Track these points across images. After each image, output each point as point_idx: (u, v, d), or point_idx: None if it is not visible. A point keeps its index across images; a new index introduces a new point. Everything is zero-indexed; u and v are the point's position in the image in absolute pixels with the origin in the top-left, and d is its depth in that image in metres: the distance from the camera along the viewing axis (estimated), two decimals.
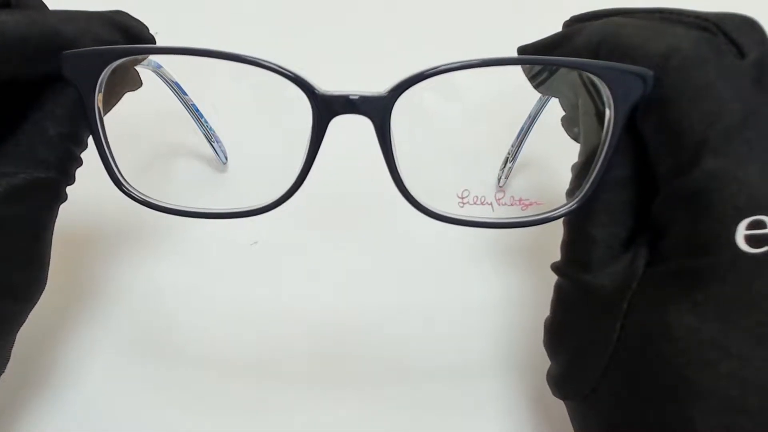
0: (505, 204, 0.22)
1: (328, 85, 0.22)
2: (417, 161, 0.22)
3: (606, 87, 0.21)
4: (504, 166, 0.35)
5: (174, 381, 0.29)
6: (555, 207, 0.22)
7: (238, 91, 0.25)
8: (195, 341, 0.30)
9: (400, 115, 0.21)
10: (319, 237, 0.33)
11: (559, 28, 0.24)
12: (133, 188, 0.23)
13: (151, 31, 0.25)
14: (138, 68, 0.25)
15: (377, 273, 0.32)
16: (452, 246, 0.32)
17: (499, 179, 0.35)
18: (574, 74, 0.24)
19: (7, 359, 0.24)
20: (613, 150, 0.21)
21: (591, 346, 0.22)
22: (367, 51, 0.38)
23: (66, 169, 0.23)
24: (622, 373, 0.21)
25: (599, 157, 0.22)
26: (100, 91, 0.22)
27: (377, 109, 0.21)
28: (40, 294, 0.24)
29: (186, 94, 0.29)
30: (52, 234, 0.24)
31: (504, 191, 0.22)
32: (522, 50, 0.25)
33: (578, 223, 0.23)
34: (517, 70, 0.23)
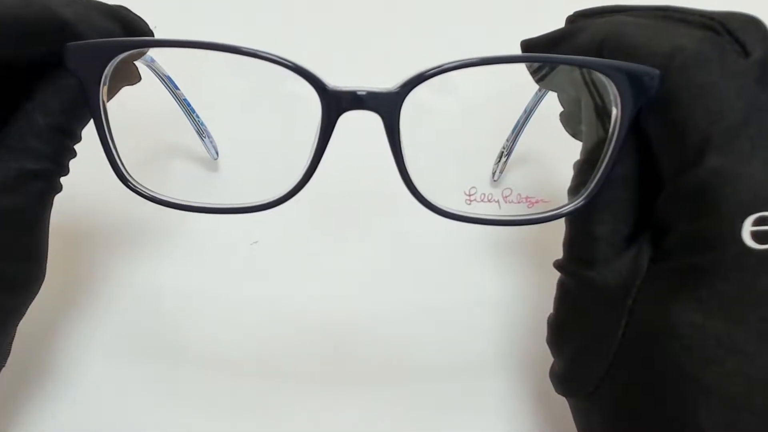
0: (512, 201, 0.22)
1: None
2: (424, 158, 0.22)
3: (613, 86, 0.21)
4: (499, 161, 0.35)
5: (173, 380, 0.29)
6: (561, 205, 0.22)
7: (240, 86, 0.25)
8: (194, 341, 0.30)
9: (408, 111, 0.21)
10: (319, 236, 0.33)
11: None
12: (139, 184, 0.22)
13: (150, 26, 0.25)
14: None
15: (378, 272, 0.32)
16: (454, 244, 0.32)
17: (493, 173, 0.35)
18: (576, 71, 0.24)
19: (7, 354, 0.23)
20: (620, 148, 0.21)
21: (595, 343, 0.22)
22: (364, 46, 0.38)
23: (59, 160, 0.23)
24: (626, 370, 0.21)
25: (605, 155, 0.22)
26: (104, 84, 0.22)
27: (387, 106, 0.21)
28: (38, 287, 0.23)
29: (178, 89, 0.29)
30: (47, 226, 0.23)
31: (511, 189, 0.22)
32: (525, 44, 0.25)
33: (581, 220, 0.23)
34: (524, 66, 0.23)
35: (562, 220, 0.24)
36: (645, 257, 0.21)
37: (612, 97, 0.21)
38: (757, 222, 0.19)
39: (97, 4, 0.23)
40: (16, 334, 0.24)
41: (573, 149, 0.24)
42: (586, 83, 0.24)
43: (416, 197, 0.22)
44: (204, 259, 0.32)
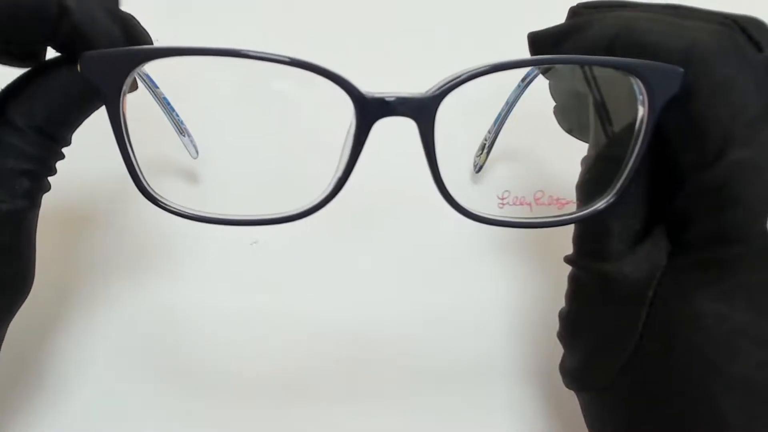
0: (543, 203, 0.23)
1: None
2: (456, 163, 0.22)
3: (640, 84, 0.21)
4: (480, 153, 0.35)
5: (171, 381, 0.29)
6: (591, 204, 0.23)
7: (261, 95, 0.24)
8: (193, 342, 0.30)
9: (441, 116, 0.21)
10: (319, 236, 0.32)
11: None
12: (166, 200, 0.22)
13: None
14: None
15: (382, 274, 0.32)
16: (459, 245, 0.32)
17: (475, 166, 0.36)
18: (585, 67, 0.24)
19: None
20: (647, 145, 0.22)
21: (613, 336, 0.22)
22: (370, 49, 0.38)
23: (43, 162, 0.22)
24: (647, 363, 0.21)
25: (633, 151, 0.22)
26: (125, 95, 0.21)
27: (422, 111, 0.21)
28: (28, 288, 0.23)
29: (157, 87, 0.28)
30: (34, 225, 0.23)
31: (543, 191, 0.22)
32: (533, 37, 0.25)
33: None
34: None
35: None
36: (663, 251, 0.22)
37: (638, 95, 0.22)
38: None
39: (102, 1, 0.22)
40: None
41: (558, 141, 0.24)
42: (594, 78, 0.24)
43: (450, 203, 0.22)
44: (204, 259, 0.32)
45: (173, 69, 0.22)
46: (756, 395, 0.19)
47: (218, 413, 0.28)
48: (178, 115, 0.30)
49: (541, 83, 0.28)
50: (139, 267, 0.31)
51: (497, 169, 0.31)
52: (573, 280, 0.24)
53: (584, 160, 0.25)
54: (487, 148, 0.35)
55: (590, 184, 0.23)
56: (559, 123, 0.29)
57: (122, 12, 0.23)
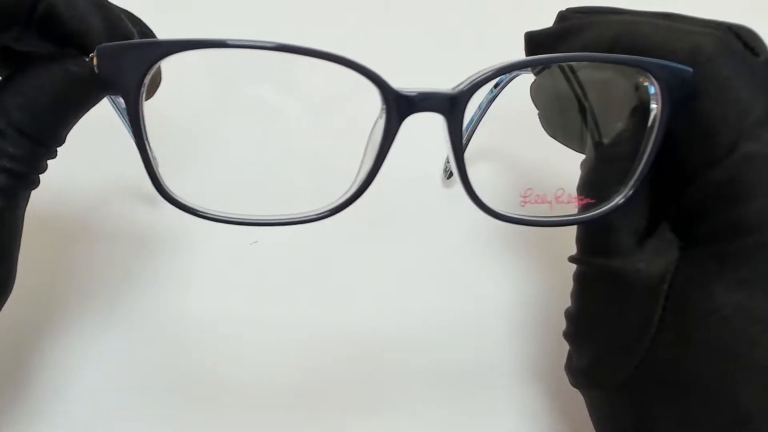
0: (563, 202, 0.23)
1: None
2: (479, 160, 0.22)
3: (656, 83, 0.22)
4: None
5: (169, 383, 0.28)
6: (607, 202, 0.23)
7: (284, 90, 0.23)
8: (193, 341, 0.29)
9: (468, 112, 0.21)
10: (320, 236, 0.32)
11: None
12: (190, 203, 0.21)
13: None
14: None
15: (384, 273, 0.32)
16: (461, 245, 0.32)
17: (445, 171, 0.36)
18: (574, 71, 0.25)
19: None
20: (661, 140, 0.22)
21: (627, 332, 0.22)
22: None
23: (27, 162, 0.21)
24: (664, 356, 0.21)
25: (646, 150, 0.23)
26: (144, 91, 0.20)
27: (452, 107, 0.21)
28: (8, 289, 0.21)
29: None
30: (16, 224, 0.21)
31: (563, 189, 0.22)
32: (529, 36, 0.25)
33: None
34: None
35: None
36: (671, 245, 0.22)
37: (653, 95, 0.22)
38: None
39: None
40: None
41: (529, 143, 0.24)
42: (580, 83, 0.25)
43: (475, 202, 0.22)
44: (203, 259, 0.31)
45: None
46: None
47: (219, 417, 0.28)
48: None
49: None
50: (136, 272, 0.31)
51: (515, 167, 0.31)
52: (580, 278, 0.25)
53: (584, 162, 0.25)
54: None
55: (597, 183, 0.24)
56: (544, 128, 0.29)
57: (111, 5, 0.22)
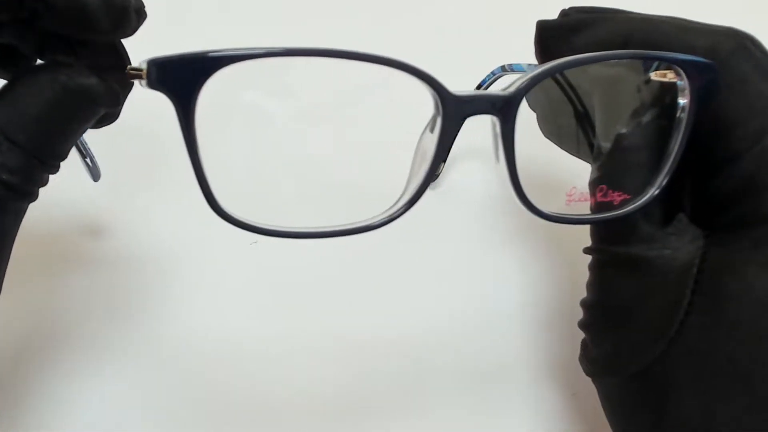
0: (604, 199, 0.23)
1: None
2: (527, 161, 0.22)
3: (686, 78, 0.23)
4: None
5: (165, 383, 0.28)
6: (640, 197, 0.24)
7: (328, 97, 0.23)
8: (191, 342, 0.29)
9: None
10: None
11: None
12: (247, 219, 0.20)
13: None
14: None
15: (388, 273, 0.32)
16: (466, 243, 0.32)
17: None
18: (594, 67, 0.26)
19: None
20: (690, 132, 0.23)
21: (654, 317, 0.23)
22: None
23: (26, 174, 0.20)
24: (694, 338, 0.22)
25: (675, 144, 0.23)
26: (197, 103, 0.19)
27: (506, 109, 0.21)
28: None
29: None
30: (9, 235, 0.20)
31: (605, 186, 0.23)
32: (542, 26, 0.26)
33: None
34: None
35: None
36: (695, 232, 0.23)
37: (682, 90, 0.23)
38: None
39: None
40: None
41: None
42: (599, 79, 0.26)
43: (525, 205, 0.22)
44: (203, 259, 0.31)
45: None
46: None
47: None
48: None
49: None
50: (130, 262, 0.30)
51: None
52: (598, 267, 0.25)
53: (596, 157, 0.26)
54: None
55: (625, 176, 0.24)
56: (542, 131, 0.30)
57: None
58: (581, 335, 0.26)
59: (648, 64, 0.24)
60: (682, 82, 0.23)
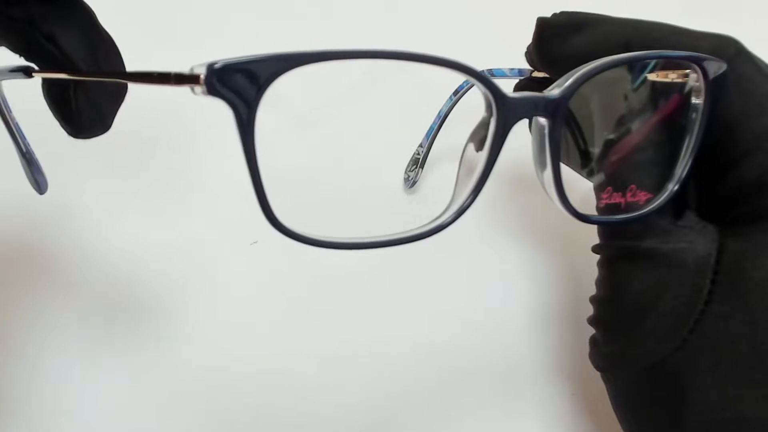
0: (632, 199, 0.24)
1: None
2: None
3: (702, 78, 0.24)
4: (413, 168, 0.36)
5: (163, 383, 0.28)
6: (660, 195, 0.24)
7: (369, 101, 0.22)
8: (190, 341, 0.29)
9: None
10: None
11: None
12: (304, 232, 0.19)
13: None
14: None
15: (392, 274, 0.31)
16: (471, 243, 0.32)
17: (406, 181, 0.36)
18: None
19: None
20: (705, 128, 0.24)
21: (672, 309, 0.24)
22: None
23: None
24: (715, 327, 0.23)
25: (690, 142, 0.24)
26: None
27: (557, 111, 0.21)
28: None
29: (11, 111, 0.24)
30: None
31: (635, 186, 0.24)
32: (542, 23, 0.26)
33: None
34: None
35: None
36: (706, 225, 0.24)
37: (698, 88, 0.24)
38: None
39: None
40: None
41: None
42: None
43: (566, 208, 0.22)
44: (202, 259, 0.31)
45: None
46: None
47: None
48: (28, 144, 0.26)
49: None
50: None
51: None
52: (610, 263, 0.26)
53: (601, 159, 0.26)
54: (420, 162, 0.36)
55: (647, 174, 0.25)
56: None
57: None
58: (581, 335, 0.27)
59: (643, 66, 0.25)
60: (697, 82, 0.24)
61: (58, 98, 0.21)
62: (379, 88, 0.24)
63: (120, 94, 0.22)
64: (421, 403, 0.29)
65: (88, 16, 0.21)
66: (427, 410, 0.29)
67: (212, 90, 0.17)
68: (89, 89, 0.21)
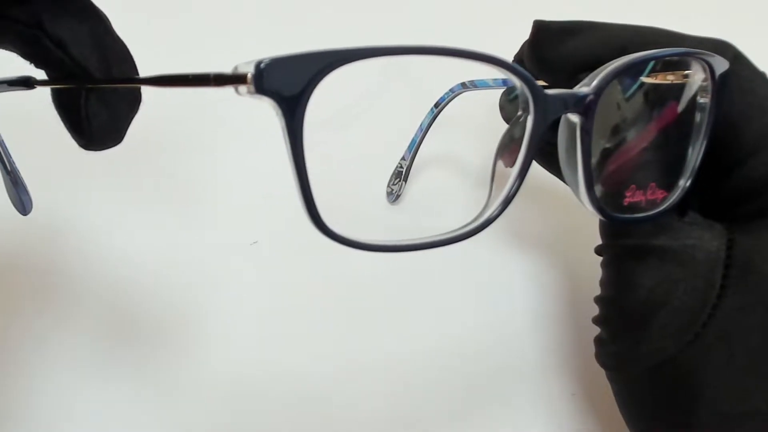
0: (651, 197, 0.24)
1: None
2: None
3: (709, 74, 0.24)
4: (397, 181, 0.36)
5: (160, 383, 0.28)
6: (674, 191, 0.25)
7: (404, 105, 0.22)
8: (190, 341, 0.29)
9: None
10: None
11: None
12: (351, 236, 0.18)
13: None
14: None
15: (394, 273, 0.31)
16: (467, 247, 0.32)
17: (389, 194, 0.36)
18: None
19: None
20: (713, 127, 0.25)
21: (683, 305, 0.24)
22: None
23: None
24: (729, 322, 0.23)
25: (699, 139, 0.25)
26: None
27: (589, 107, 0.21)
28: None
29: None
30: None
31: (655, 184, 0.24)
32: (539, 25, 0.26)
33: None
34: None
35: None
36: (714, 224, 0.25)
37: (706, 87, 0.25)
38: None
39: None
40: None
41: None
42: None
43: (594, 204, 0.22)
44: (202, 260, 0.32)
45: None
46: None
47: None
48: (14, 163, 0.25)
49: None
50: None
51: None
52: (617, 262, 0.26)
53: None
54: (404, 175, 0.36)
55: (664, 172, 0.25)
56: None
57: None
58: (581, 335, 0.27)
59: (641, 68, 0.25)
60: (705, 81, 0.25)
61: (68, 106, 0.20)
62: (404, 85, 0.24)
63: (135, 101, 0.20)
64: (421, 403, 0.29)
65: (101, 20, 0.20)
66: (428, 410, 0.29)
67: (260, 89, 0.16)
68: (102, 97, 0.20)
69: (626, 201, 0.24)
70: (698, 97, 0.25)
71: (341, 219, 0.18)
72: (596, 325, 0.26)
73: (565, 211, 0.33)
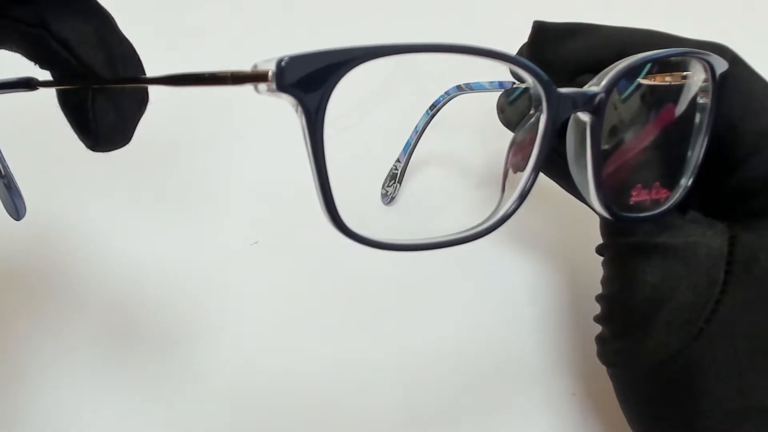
0: (656, 196, 0.24)
1: None
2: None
3: (710, 77, 0.25)
4: (392, 183, 0.36)
5: (161, 383, 0.29)
6: (676, 190, 0.25)
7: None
8: (190, 341, 0.29)
9: None
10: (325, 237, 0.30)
11: None
12: (370, 235, 0.18)
13: None
14: None
15: (395, 274, 0.31)
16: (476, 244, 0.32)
17: (384, 197, 0.36)
18: None
19: None
20: (714, 125, 0.25)
21: (686, 302, 0.24)
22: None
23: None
24: (731, 318, 0.23)
25: (700, 138, 0.25)
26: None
27: (598, 106, 0.21)
28: None
29: None
30: None
31: (659, 183, 0.24)
32: (539, 26, 0.26)
33: None
34: None
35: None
36: (715, 222, 0.25)
37: (707, 86, 0.25)
38: None
39: None
40: None
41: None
42: None
43: (603, 204, 0.22)
44: (201, 260, 0.32)
45: None
46: None
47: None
48: (8, 167, 0.24)
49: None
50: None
51: None
52: (619, 260, 0.26)
53: (638, 156, 0.26)
54: (398, 178, 0.36)
55: (665, 170, 0.25)
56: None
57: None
58: (581, 334, 0.27)
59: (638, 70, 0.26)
60: (705, 82, 0.25)
61: (75, 107, 0.19)
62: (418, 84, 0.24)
63: (143, 101, 0.20)
64: (421, 403, 0.29)
65: (106, 20, 0.19)
66: (428, 410, 0.29)
67: (282, 86, 0.16)
68: (110, 97, 0.19)
69: (632, 200, 0.24)
70: (699, 97, 0.25)
71: (354, 217, 0.18)
72: (598, 323, 0.27)
73: (565, 211, 0.33)
